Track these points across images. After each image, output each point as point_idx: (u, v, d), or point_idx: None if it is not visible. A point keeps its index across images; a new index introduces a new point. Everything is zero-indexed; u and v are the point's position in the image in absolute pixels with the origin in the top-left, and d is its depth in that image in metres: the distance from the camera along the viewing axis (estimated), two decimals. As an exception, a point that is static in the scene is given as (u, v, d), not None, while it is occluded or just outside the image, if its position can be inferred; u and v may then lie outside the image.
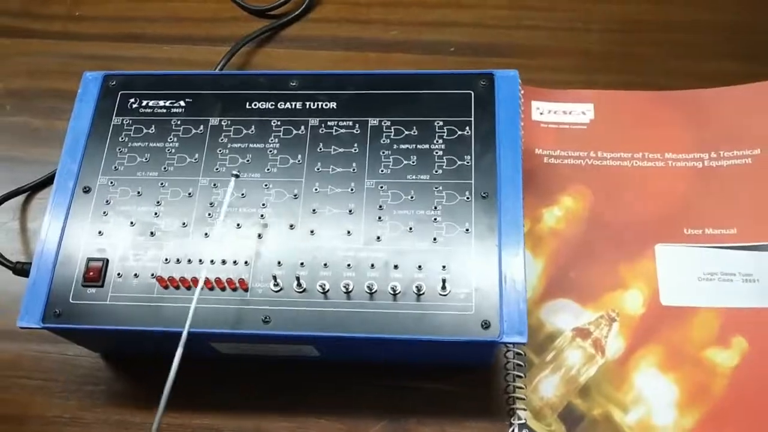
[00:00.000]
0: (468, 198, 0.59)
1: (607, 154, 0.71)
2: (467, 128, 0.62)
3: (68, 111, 0.65)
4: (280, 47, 0.81)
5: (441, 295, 0.56)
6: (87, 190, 0.62)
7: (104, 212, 0.61)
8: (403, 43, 0.80)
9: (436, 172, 0.60)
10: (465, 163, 0.61)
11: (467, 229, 0.58)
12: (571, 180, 0.70)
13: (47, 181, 0.73)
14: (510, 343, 0.56)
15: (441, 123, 0.62)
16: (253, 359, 0.63)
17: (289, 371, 0.64)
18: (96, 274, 0.58)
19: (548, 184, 0.70)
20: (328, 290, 0.57)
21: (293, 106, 0.64)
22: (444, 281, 0.56)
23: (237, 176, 0.60)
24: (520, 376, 0.62)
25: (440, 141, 0.62)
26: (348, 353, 0.63)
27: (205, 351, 0.62)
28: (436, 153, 0.61)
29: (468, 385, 0.63)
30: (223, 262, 0.58)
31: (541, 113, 0.74)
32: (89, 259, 0.59)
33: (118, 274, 0.59)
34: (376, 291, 0.56)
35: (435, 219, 0.59)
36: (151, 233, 0.60)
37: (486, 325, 0.55)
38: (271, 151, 0.62)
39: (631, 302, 0.65)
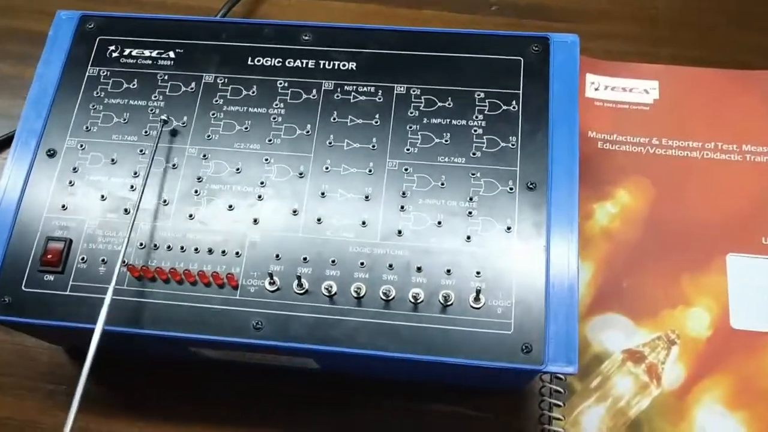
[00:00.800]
0: (511, 189, 0.48)
1: (672, 141, 0.60)
2: (514, 102, 0.51)
3: (36, 58, 0.54)
4: (292, -5, 0.69)
5: (473, 307, 0.46)
6: (51, 154, 0.51)
7: (70, 181, 0.50)
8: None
9: (474, 154, 0.50)
10: (509, 145, 0.50)
11: (509, 227, 0.47)
12: (628, 171, 0.60)
13: (11, 140, 0.63)
14: (556, 373, 0.45)
15: (482, 94, 0.51)
16: (241, 367, 0.53)
17: (283, 384, 0.54)
18: (55, 257, 0.48)
19: (602, 175, 0.59)
20: (335, 294, 0.46)
21: (304, 65, 0.53)
22: (478, 291, 0.45)
23: (166, 122, 0.51)
24: (558, 405, 0.52)
25: (480, 117, 0.51)
26: (353, 368, 0.53)
27: (185, 354, 0.52)
28: (475, 131, 0.50)
29: (493, 410, 0.53)
30: (210, 251, 0.48)
31: (597, 89, 0.62)
32: (49, 239, 0.49)
33: (83, 258, 0.48)
34: (393, 298, 0.46)
35: (470, 212, 0.48)
36: (125, 210, 0.49)
37: (527, 349, 0.45)
38: (274, 119, 0.52)
39: (695, 322, 0.54)
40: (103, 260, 0.48)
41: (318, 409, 0.53)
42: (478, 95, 0.51)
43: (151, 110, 0.52)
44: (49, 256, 0.48)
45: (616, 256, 0.57)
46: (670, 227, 0.57)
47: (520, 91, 0.51)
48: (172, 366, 0.54)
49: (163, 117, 0.50)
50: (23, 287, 0.48)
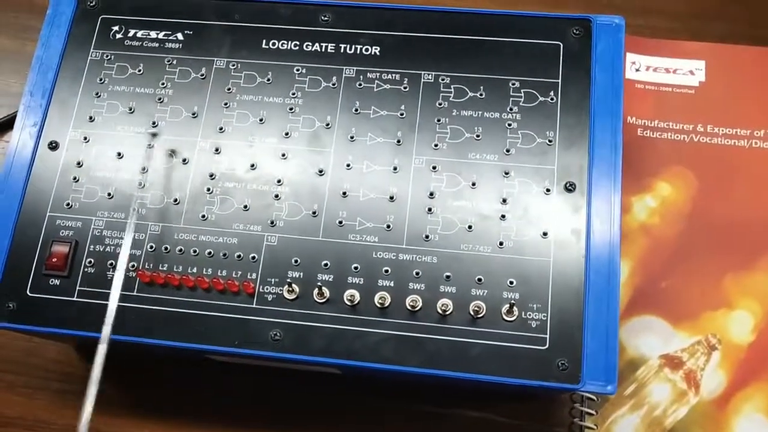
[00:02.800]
0: (548, 190, 0.45)
1: (719, 129, 0.56)
2: (552, 93, 0.47)
3: (36, 30, 0.51)
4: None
5: (505, 320, 0.43)
6: (53, 147, 0.48)
7: (75, 177, 0.47)
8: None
9: (508, 151, 0.46)
10: (546, 141, 0.46)
11: (545, 233, 0.44)
12: (670, 160, 0.55)
13: (13, 122, 0.59)
14: (594, 393, 0.43)
15: (517, 84, 0.47)
16: (256, 368, 0.50)
17: (304, 389, 0.52)
18: (61, 260, 0.45)
19: (641, 164, 0.55)
20: (358, 303, 0.44)
21: (323, 49, 0.49)
22: (512, 303, 0.42)
23: (154, 135, 0.47)
24: (590, 413, 0.49)
25: (515, 109, 0.47)
26: (378, 374, 0.50)
27: (198, 355, 0.50)
28: (509, 125, 0.46)
29: (521, 416, 0.51)
30: (224, 255, 0.45)
31: (638, 69, 0.58)
32: (53, 241, 0.46)
33: (90, 261, 0.45)
34: (419, 309, 0.43)
35: (503, 216, 0.45)
36: (134, 210, 0.46)
37: (563, 366, 0.42)
38: (291, 109, 0.48)
39: (738, 326, 0.51)
40: (111, 264, 0.45)
41: (342, 414, 0.51)
42: (513, 84, 0.47)
43: (159, 99, 0.48)
44: (54, 260, 0.45)
45: (654, 254, 0.53)
46: (714, 223, 0.53)
47: (559, 81, 0.47)
48: (185, 365, 0.52)
49: (152, 130, 0.47)
50: (28, 292, 0.45)
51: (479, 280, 0.44)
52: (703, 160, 0.55)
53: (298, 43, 0.49)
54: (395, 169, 0.46)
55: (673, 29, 0.59)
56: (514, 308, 0.43)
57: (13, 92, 0.61)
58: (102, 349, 0.41)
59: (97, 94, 0.49)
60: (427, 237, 0.45)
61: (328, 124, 0.47)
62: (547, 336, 0.42)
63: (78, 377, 0.53)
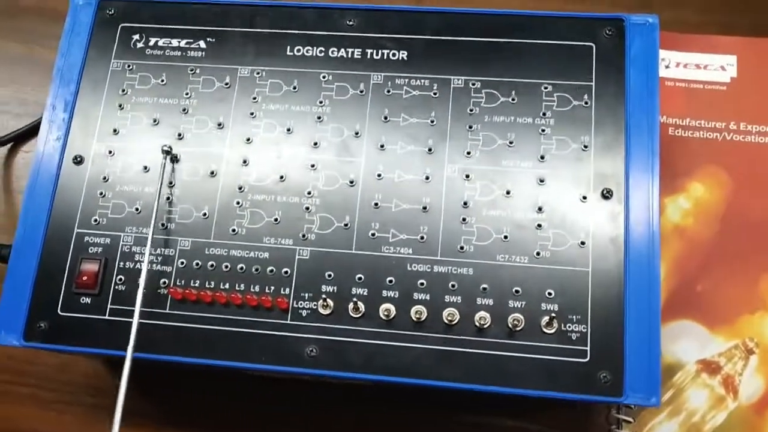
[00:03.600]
0: (584, 197, 0.44)
1: (752, 126, 0.55)
2: (585, 97, 0.46)
3: (55, 37, 0.50)
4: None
5: (544, 333, 0.42)
6: (78, 161, 0.47)
7: (101, 192, 0.46)
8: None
9: (542, 158, 0.45)
10: (581, 147, 0.45)
11: (582, 242, 0.43)
12: (703, 160, 0.54)
13: (34, 130, 0.58)
14: (637, 405, 0.42)
15: (549, 87, 0.46)
16: (292, 382, 0.50)
17: (338, 400, 0.51)
18: (91, 279, 0.44)
19: (673, 165, 0.54)
20: (394, 317, 0.43)
21: (350, 55, 0.48)
22: (552, 315, 0.42)
23: (168, 153, 0.46)
24: (628, 421, 0.48)
25: (548, 114, 0.46)
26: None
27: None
28: (543, 131, 0.45)
29: (558, 425, 0.50)
30: (256, 270, 0.44)
31: (667, 66, 0.56)
32: (83, 258, 0.45)
33: (120, 279, 0.45)
34: (457, 322, 0.43)
35: (539, 225, 0.44)
36: (163, 225, 0.45)
37: (605, 379, 0.41)
38: (319, 118, 0.47)
39: (776, 329, 0.50)
40: (141, 281, 0.45)
41: (376, 424, 0.51)
42: (545, 88, 0.46)
43: (184, 110, 0.47)
44: (84, 278, 0.44)
45: (689, 256, 0.52)
46: (749, 223, 0.52)
47: (593, 83, 0.46)
48: (218, 377, 0.52)
49: (165, 147, 0.45)
50: (59, 311, 0.44)
51: (516, 291, 0.43)
52: (737, 159, 0.54)
53: (323, 49, 0.48)
54: (427, 178, 0.45)
55: (702, 23, 0.58)
56: (554, 321, 0.42)
57: (31, 100, 0.60)
58: (126, 372, 0.40)
59: (120, 105, 0.48)
60: (462, 248, 0.44)
61: (357, 133, 0.46)
62: (588, 348, 0.42)
63: (109, 392, 0.52)
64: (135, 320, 0.41)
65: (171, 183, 0.46)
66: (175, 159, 0.46)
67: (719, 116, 0.55)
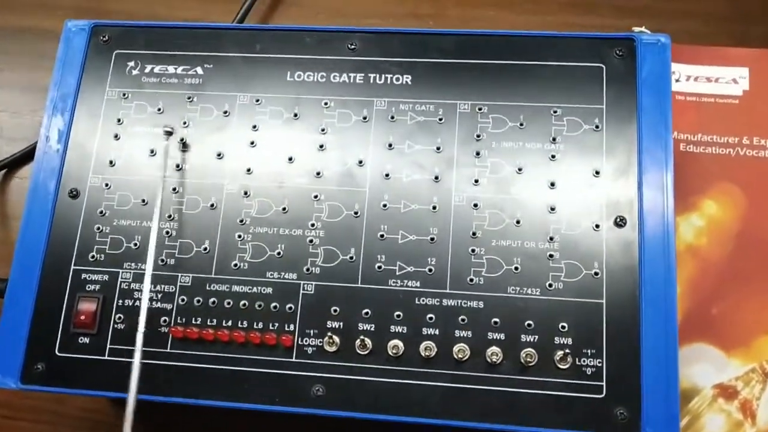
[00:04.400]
0: (597, 226, 0.42)
1: (766, 141, 0.53)
2: (596, 120, 0.44)
3: (49, 59, 0.48)
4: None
5: (559, 368, 0.41)
6: (74, 195, 0.46)
7: (98, 227, 0.45)
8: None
9: (553, 185, 0.43)
10: (593, 173, 0.43)
11: (596, 273, 0.42)
12: (715, 176, 0.53)
13: (28, 155, 0.57)
14: (655, 442, 0.41)
15: (559, 111, 0.45)
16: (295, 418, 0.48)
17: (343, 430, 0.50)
18: (89, 318, 0.43)
19: (685, 182, 0.53)
20: (402, 354, 0.42)
21: (352, 80, 0.46)
22: (566, 351, 0.40)
23: (170, 133, 0.44)
24: (644, 450, 0.47)
25: (558, 139, 0.44)
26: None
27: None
28: (553, 156, 0.44)
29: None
30: (259, 306, 0.43)
31: (677, 80, 0.55)
32: (80, 297, 0.44)
33: (119, 317, 0.43)
34: (467, 358, 0.41)
35: (550, 255, 0.42)
36: (162, 261, 0.44)
37: (622, 416, 0.40)
38: (321, 146, 0.45)
39: (794, 352, 0.49)
40: (141, 319, 0.43)
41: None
42: (555, 112, 0.45)
43: (181, 140, 0.46)
44: (82, 317, 0.43)
45: (703, 277, 0.51)
46: (765, 242, 0.51)
47: (603, 106, 0.44)
48: (221, 413, 0.50)
49: (167, 128, 0.44)
50: (57, 352, 0.43)
51: (529, 325, 0.41)
52: (751, 175, 0.52)
53: (324, 74, 0.47)
54: (434, 207, 0.44)
55: (713, 34, 0.56)
56: (568, 356, 0.40)
57: (25, 124, 0.59)
58: (129, 413, 0.39)
59: (116, 136, 0.46)
60: (471, 280, 0.42)
61: (361, 162, 0.45)
62: (604, 383, 0.40)
63: (108, 426, 0.51)
64: (135, 364, 0.40)
65: (170, 216, 0.45)
66: (184, 145, 0.45)
67: (732, 131, 0.54)
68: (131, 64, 0.48)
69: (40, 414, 0.52)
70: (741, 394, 0.49)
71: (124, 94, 0.47)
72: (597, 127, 0.44)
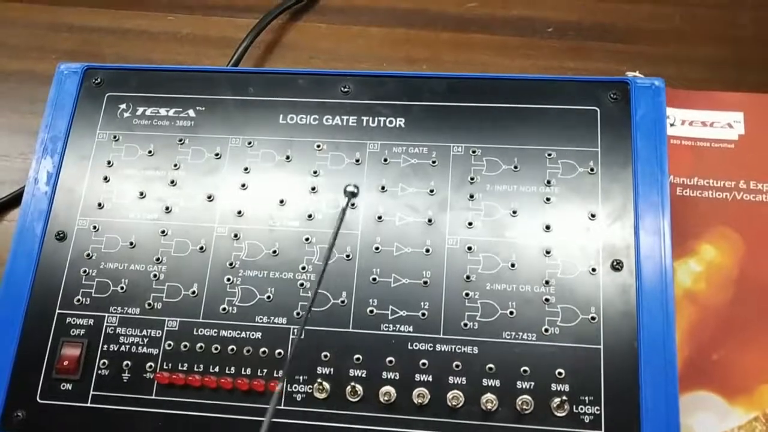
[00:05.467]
0: (594, 270, 0.42)
1: (763, 185, 0.53)
2: (591, 163, 0.44)
3: (42, 102, 0.48)
4: (322, 21, 0.61)
5: (556, 416, 0.39)
6: (61, 237, 0.45)
7: (84, 270, 0.44)
8: (485, 20, 0.60)
9: (548, 228, 0.43)
10: (589, 216, 0.43)
11: (593, 317, 0.41)
12: (713, 221, 0.52)
13: (17, 199, 0.56)
14: (657, 495, 0.39)
15: (553, 154, 0.44)
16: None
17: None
18: (72, 364, 0.42)
19: (682, 226, 0.52)
20: (394, 401, 0.40)
21: (344, 122, 0.46)
22: (563, 398, 0.39)
23: (354, 195, 0.42)
24: (646, 503, 0.45)
25: (553, 181, 0.44)
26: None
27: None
28: (547, 199, 0.43)
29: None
30: (247, 351, 0.42)
31: (672, 124, 0.55)
32: (64, 341, 0.43)
33: (103, 363, 0.42)
34: (461, 405, 0.40)
35: (546, 299, 0.41)
36: (149, 305, 0.43)
37: (622, 467, 0.38)
38: (314, 189, 0.45)
39: (798, 400, 0.48)
40: (127, 365, 0.42)
41: None
42: (549, 155, 0.44)
43: (172, 182, 0.45)
44: (65, 363, 0.42)
45: (703, 323, 0.50)
46: (765, 287, 0.50)
47: (599, 149, 0.44)
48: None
49: (350, 188, 0.42)
50: (38, 398, 0.42)
51: (525, 371, 0.40)
52: (748, 220, 0.52)
53: (317, 116, 0.46)
54: (428, 251, 0.43)
55: (706, 79, 0.56)
56: (566, 404, 0.39)
57: (15, 167, 0.58)
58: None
59: (105, 178, 0.46)
60: (465, 325, 0.41)
61: (353, 204, 0.44)
62: (603, 431, 0.39)
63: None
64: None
65: (158, 259, 0.44)
66: (353, 198, 0.43)
67: (728, 175, 0.53)
68: (123, 106, 0.48)
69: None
70: (745, 444, 0.47)
71: (114, 137, 0.47)
72: (592, 170, 0.44)
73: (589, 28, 0.59)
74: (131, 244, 0.44)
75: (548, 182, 0.44)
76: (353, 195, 0.41)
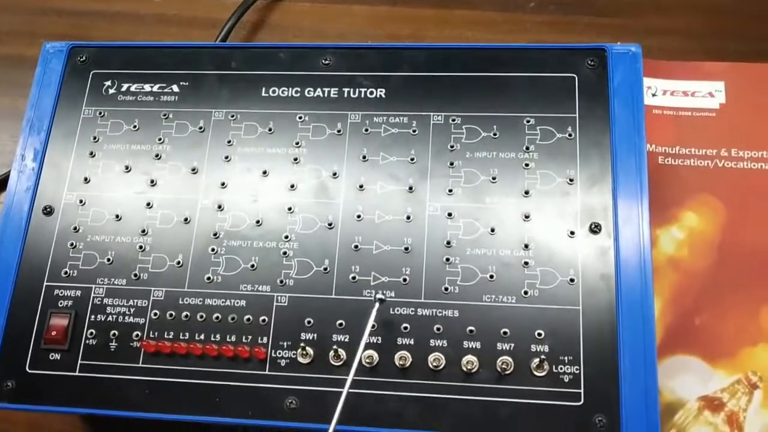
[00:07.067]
0: (572, 233, 0.42)
1: (744, 152, 0.53)
2: (569, 129, 0.44)
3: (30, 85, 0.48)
4: (306, 0, 0.62)
5: (535, 376, 0.40)
6: (48, 212, 0.45)
7: (71, 243, 0.45)
8: (467, -5, 0.61)
9: (527, 193, 0.43)
10: (567, 180, 0.43)
11: (572, 279, 0.41)
12: (695, 188, 0.53)
13: (4, 182, 0.57)
14: (635, 451, 0.40)
15: (532, 120, 0.45)
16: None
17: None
18: (60, 333, 0.43)
19: (664, 195, 0.52)
20: (377, 364, 0.41)
21: (326, 94, 0.47)
22: (542, 357, 0.40)
23: (383, 301, 0.41)
24: (630, 465, 0.46)
25: (531, 148, 0.44)
26: None
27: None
28: (526, 165, 0.44)
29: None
30: (232, 318, 0.42)
31: (654, 95, 0.55)
32: (52, 313, 0.43)
33: (91, 333, 0.43)
34: (443, 367, 0.41)
35: (525, 263, 0.42)
36: (135, 275, 0.44)
37: (600, 423, 0.39)
38: (296, 160, 0.45)
39: (780, 362, 0.48)
40: (114, 334, 0.43)
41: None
42: (528, 121, 0.45)
43: (157, 155, 0.46)
44: (53, 333, 0.43)
45: (685, 289, 0.50)
46: (746, 253, 0.51)
47: (576, 115, 0.45)
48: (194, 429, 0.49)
49: (380, 296, 0.41)
50: (27, 369, 0.43)
51: (505, 333, 0.41)
52: (730, 186, 0.52)
53: (299, 89, 0.47)
54: (408, 218, 0.43)
55: (687, 49, 0.57)
56: (545, 363, 0.40)
57: (5, 150, 0.59)
58: None
59: (91, 153, 0.47)
60: (446, 289, 0.42)
61: (335, 174, 0.45)
62: (582, 391, 0.40)
63: (85, 450, 0.50)
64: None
65: (144, 231, 0.44)
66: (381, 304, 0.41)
67: (709, 143, 0.54)
68: (108, 83, 0.48)
69: (13, 439, 0.51)
70: (727, 406, 0.48)
71: (100, 113, 0.48)
72: (570, 135, 0.44)
73: (571, 2, 0.59)
74: (117, 217, 0.45)
75: (527, 148, 0.44)
76: (382, 302, 0.41)
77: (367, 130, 0.46)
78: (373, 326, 0.41)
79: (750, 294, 0.50)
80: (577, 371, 0.40)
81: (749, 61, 0.55)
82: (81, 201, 0.46)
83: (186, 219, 0.45)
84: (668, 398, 0.48)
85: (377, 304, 0.40)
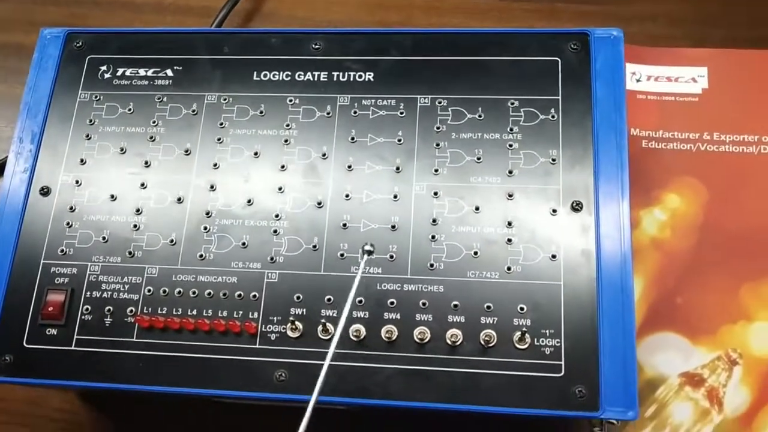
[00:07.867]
0: (554, 210, 0.43)
1: (726, 136, 0.55)
2: (552, 111, 0.45)
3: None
4: (299, -12, 0.63)
5: (517, 348, 0.41)
6: (45, 192, 0.47)
7: (68, 222, 0.46)
8: (456, -17, 0.62)
9: (511, 173, 0.44)
10: (549, 160, 0.44)
11: (554, 255, 0.43)
12: (677, 171, 0.54)
13: (3, 167, 0.58)
14: (614, 420, 0.41)
15: (516, 103, 0.46)
16: (266, 410, 0.49)
17: (313, 426, 0.50)
18: (57, 309, 0.44)
19: (648, 177, 0.54)
20: (364, 337, 0.42)
21: (316, 78, 0.48)
22: (523, 330, 0.41)
23: (370, 253, 0.42)
24: (612, 439, 0.47)
25: (515, 129, 0.45)
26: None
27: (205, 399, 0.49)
28: (510, 146, 0.45)
29: (542, 444, 0.49)
30: (224, 294, 0.44)
31: (638, 80, 0.56)
32: (48, 289, 0.44)
33: (87, 309, 0.44)
34: (428, 341, 0.42)
35: (509, 239, 0.43)
36: (129, 253, 0.45)
37: (581, 394, 0.40)
38: (286, 141, 0.47)
39: (759, 339, 0.49)
40: (109, 310, 0.44)
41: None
42: (512, 104, 0.46)
43: (151, 137, 0.47)
44: (50, 309, 0.44)
45: (668, 268, 0.51)
46: (727, 233, 0.52)
47: (559, 98, 0.46)
48: (190, 406, 0.51)
49: (368, 247, 0.42)
50: (24, 343, 0.44)
51: (488, 307, 0.42)
52: (712, 169, 0.54)
53: (289, 73, 0.48)
54: (395, 197, 0.45)
55: (672, 36, 0.58)
56: (526, 335, 0.41)
57: (4, 137, 0.60)
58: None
59: (87, 136, 0.48)
60: (432, 265, 0.43)
61: (324, 155, 0.46)
62: (562, 363, 0.41)
63: (83, 425, 0.51)
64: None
65: (138, 210, 0.46)
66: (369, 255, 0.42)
67: (692, 127, 0.55)
68: (103, 68, 0.50)
69: (12, 416, 0.52)
70: (707, 381, 0.49)
71: (96, 97, 0.49)
72: (553, 117, 0.45)
73: (557, -12, 0.61)
74: (112, 197, 0.46)
75: (511, 129, 0.45)
76: (370, 253, 0.43)
77: (355, 112, 0.47)
78: (360, 301, 0.42)
79: (730, 273, 0.51)
80: (558, 344, 0.41)
81: (732, 47, 0.57)
82: (77, 182, 0.47)
83: (179, 199, 0.46)
84: (650, 374, 0.49)
85: (365, 256, 0.41)
